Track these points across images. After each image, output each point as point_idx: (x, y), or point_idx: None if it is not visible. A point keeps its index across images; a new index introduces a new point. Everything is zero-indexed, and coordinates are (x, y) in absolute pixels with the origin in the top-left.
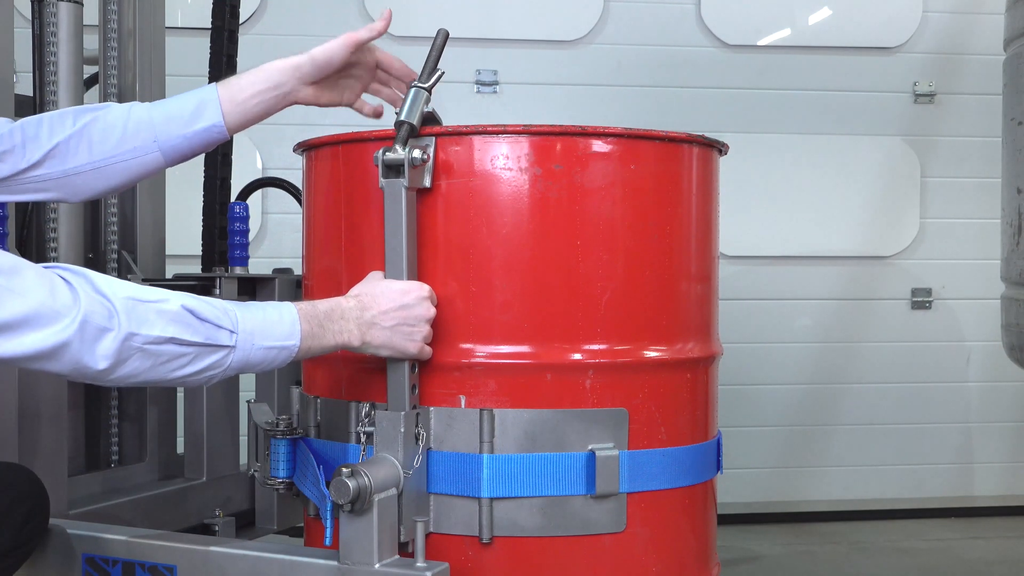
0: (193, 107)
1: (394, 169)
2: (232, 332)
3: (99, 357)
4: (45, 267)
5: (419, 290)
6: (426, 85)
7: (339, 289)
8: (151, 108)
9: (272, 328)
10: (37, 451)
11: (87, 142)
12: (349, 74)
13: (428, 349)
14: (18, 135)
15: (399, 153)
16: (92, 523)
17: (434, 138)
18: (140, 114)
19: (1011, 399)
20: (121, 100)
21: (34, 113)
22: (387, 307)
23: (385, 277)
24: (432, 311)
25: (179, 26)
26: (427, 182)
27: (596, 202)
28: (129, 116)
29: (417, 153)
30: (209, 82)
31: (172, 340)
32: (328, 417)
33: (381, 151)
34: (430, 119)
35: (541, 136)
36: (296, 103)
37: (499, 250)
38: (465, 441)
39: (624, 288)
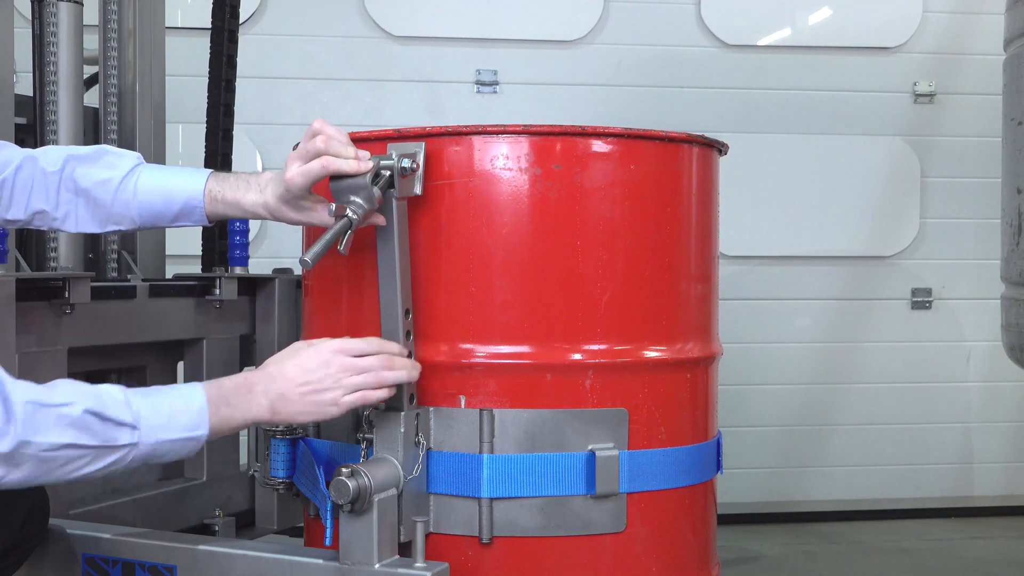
0: (175, 212)
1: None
2: (134, 428)
3: None
4: None
5: (332, 350)
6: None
7: (338, 289)
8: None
9: (178, 418)
10: None
11: (74, 216)
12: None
13: (369, 395)
14: (6, 192)
15: (390, 160)
16: (92, 523)
17: (423, 144)
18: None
19: (1011, 399)
20: (121, 100)
21: (33, 113)
22: (297, 378)
23: (378, 286)
24: (362, 362)
25: (179, 26)
26: (418, 190)
27: (596, 202)
28: (115, 196)
29: (406, 162)
30: (208, 82)
31: (69, 446)
32: None
33: None
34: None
35: (541, 136)
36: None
37: (499, 250)
38: (465, 441)
39: (624, 288)
